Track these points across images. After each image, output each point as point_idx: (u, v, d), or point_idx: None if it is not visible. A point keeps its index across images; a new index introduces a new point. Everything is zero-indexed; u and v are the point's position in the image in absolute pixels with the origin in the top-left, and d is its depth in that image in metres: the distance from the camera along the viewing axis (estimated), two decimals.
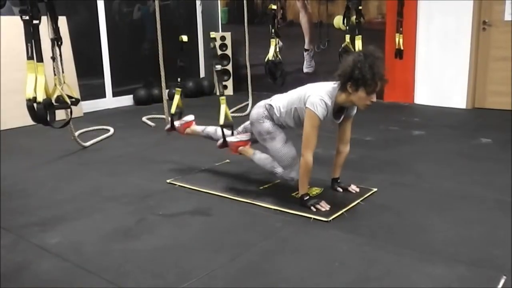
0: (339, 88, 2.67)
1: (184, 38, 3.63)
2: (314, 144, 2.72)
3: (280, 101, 2.95)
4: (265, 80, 5.68)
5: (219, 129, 3.25)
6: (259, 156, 3.14)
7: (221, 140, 3.24)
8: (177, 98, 3.59)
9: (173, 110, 3.60)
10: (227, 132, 3.28)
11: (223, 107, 3.26)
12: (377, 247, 2.32)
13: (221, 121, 3.25)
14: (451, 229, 2.51)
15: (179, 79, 3.62)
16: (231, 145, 3.21)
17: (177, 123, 3.60)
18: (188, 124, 3.59)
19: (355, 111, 2.89)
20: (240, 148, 3.20)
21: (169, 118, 3.67)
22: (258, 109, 3.03)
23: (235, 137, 3.24)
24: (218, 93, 3.36)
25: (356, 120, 2.97)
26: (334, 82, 2.71)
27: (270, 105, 2.98)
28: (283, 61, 5.61)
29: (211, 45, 3.48)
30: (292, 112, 2.86)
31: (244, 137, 3.23)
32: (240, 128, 3.36)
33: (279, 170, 3.01)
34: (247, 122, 3.24)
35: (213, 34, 3.47)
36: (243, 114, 5.55)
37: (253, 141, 3.19)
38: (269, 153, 3.04)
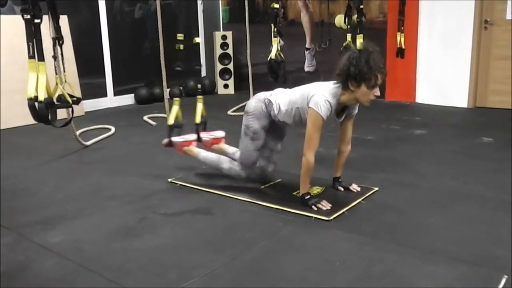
0: (342, 87, 2.67)
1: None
2: (317, 144, 2.72)
3: (281, 98, 2.92)
4: (266, 79, 5.68)
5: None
6: (204, 155, 3.28)
7: (167, 139, 3.34)
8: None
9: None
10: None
11: (175, 108, 3.34)
12: (378, 247, 2.32)
13: (171, 121, 3.33)
14: (453, 229, 2.51)
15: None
16: (176, 145, 3.33)
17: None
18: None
19: (356, 110, 2.89)
20: (185, 148, 3.33)
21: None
22: (257, 104, 3.00)
23: (181, 137, 3.34)
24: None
25: (358, 119, 2.97)
26: (334, 82, 2.71)
27: (270, 100, 2.95)
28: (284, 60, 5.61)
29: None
30: (293, 112, 2.84)
31: (189, 137, 3.34)
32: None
33: (225, 165, 3.17)
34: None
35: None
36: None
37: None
38: (239, 146, 3.09)
